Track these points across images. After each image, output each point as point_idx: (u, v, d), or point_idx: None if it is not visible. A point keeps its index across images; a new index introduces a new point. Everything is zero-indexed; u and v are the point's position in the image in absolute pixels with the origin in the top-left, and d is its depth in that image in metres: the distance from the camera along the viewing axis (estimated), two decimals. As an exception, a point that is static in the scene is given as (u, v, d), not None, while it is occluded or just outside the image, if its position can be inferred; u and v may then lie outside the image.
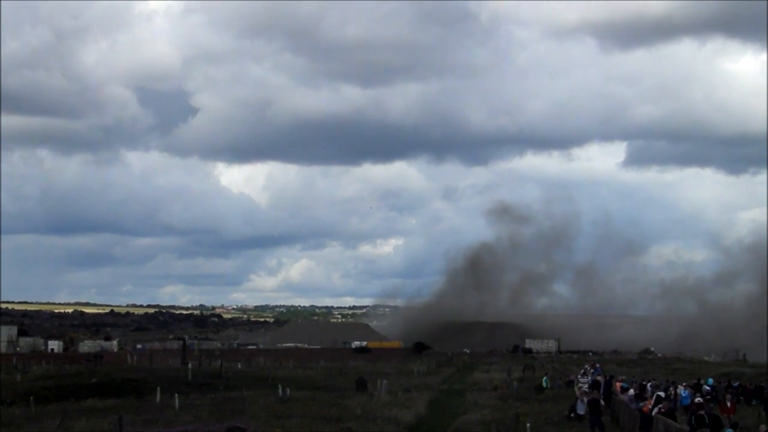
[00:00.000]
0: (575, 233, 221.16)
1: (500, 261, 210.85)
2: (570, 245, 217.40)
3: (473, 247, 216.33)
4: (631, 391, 41.01)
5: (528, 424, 37.49)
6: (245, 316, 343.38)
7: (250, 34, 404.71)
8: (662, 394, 36.75)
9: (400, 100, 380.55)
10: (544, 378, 62.89)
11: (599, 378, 52.34)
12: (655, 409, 31.32)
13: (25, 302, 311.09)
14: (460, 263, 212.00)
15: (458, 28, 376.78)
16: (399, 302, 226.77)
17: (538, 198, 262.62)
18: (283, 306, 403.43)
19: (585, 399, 41.82)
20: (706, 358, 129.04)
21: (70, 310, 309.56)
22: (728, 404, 38.44)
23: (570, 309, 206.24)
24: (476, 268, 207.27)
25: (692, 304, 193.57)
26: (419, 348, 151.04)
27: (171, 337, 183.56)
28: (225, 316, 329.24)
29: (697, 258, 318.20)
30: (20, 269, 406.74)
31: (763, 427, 26.39)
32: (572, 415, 41.12)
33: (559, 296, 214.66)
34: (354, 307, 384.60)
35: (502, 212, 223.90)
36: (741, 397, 52.29)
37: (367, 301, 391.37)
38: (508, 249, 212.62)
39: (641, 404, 34.61)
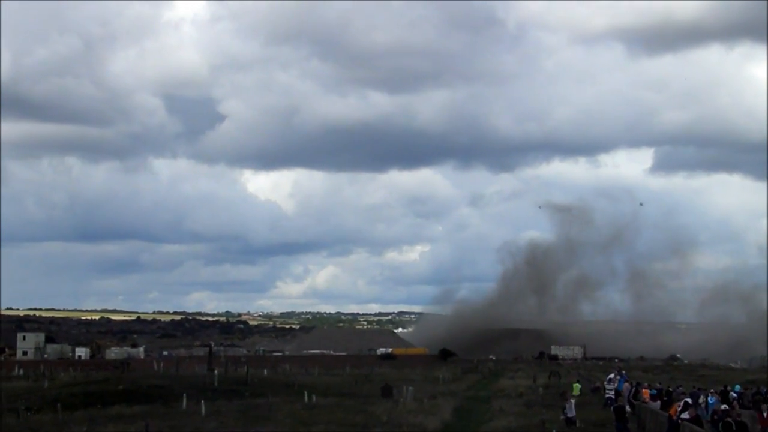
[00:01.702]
0: (634, 235, 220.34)
1: (555, 262, 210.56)
2: (629, 249, 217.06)
3: (533, 243, 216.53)
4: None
5: (553, 431, 37.44)
6: (271, 322, 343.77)
7: (277, 41, 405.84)
8: (689, 400, 36.54)
9: (427, 107, 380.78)
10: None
11: (626, 385, 52.11)
12: (683, 415, 31.20)
13: (53, 309, 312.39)
14: (517, 262, 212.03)
15: (485, 34, 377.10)
16: (446, 309, 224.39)
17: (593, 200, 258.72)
18: (309, 313, 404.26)
19: (572, 401, 42.07)
20: (732, 365, 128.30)
21: (97, 317, 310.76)
22: (765, 414, 37.15)
23: (618, 315, 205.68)
24: (532, 268, 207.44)
25: (739, 310, 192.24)
26: (444, 355, 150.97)
27: (197, 343, 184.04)
28: (251, 322, 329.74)
29: (723, 264, 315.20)
30: (48, 276, 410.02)
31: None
32: (564, 419, 41.21)
33: (606, 302, 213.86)
34: (379, 314, 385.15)
35: (562, 211, 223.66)
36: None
37: (392, 308, 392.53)
38: (563, 250, 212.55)
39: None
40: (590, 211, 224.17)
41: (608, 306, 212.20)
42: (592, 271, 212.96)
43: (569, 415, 41.22)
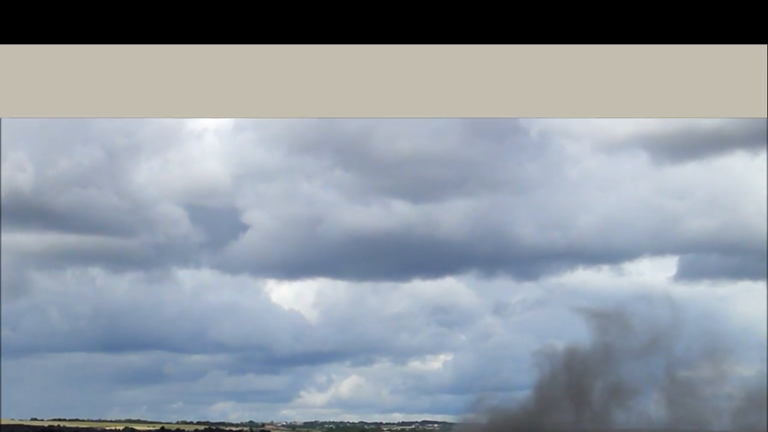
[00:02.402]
0: (668, 342, 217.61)
1: (591, 369, 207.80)
2: (662, 356, 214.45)
3: (571, 349, 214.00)
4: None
5: None
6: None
7: (300, 151, 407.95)
8: None
9: (450, 216, 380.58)
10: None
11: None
12: None
13: (77, 420, 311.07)
14: (555, 368, 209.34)
15: (509, 142, 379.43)
16: (479, 417, 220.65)
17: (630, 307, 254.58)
18: (333, 422, 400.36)
19: None
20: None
21: (121, 427, 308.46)
22: None
23: (652, 423, 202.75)
24: (571, 374, 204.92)
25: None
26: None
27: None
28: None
29: (753, 371, 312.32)
30: (72, 387, 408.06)
31: None
32: None
33: (639, 410, 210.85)
34: (403, 423, 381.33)
35: (599, 317, 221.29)
36: None
37: (416, 417, 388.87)
38: (600, 357, 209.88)
39: None
40: (629, 317, 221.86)
41: (641, 414, 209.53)
42: (627, 377, 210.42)
43: None
